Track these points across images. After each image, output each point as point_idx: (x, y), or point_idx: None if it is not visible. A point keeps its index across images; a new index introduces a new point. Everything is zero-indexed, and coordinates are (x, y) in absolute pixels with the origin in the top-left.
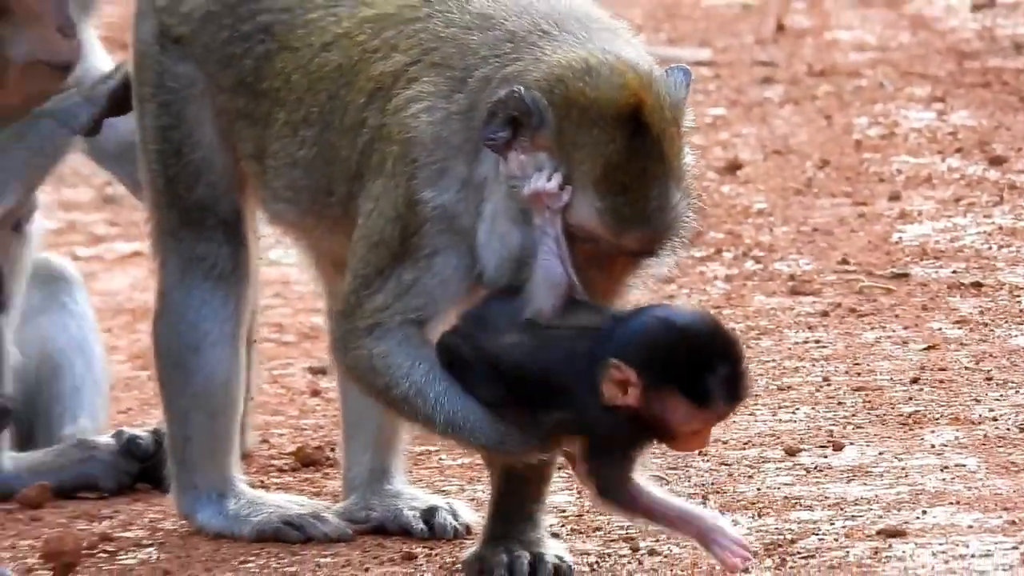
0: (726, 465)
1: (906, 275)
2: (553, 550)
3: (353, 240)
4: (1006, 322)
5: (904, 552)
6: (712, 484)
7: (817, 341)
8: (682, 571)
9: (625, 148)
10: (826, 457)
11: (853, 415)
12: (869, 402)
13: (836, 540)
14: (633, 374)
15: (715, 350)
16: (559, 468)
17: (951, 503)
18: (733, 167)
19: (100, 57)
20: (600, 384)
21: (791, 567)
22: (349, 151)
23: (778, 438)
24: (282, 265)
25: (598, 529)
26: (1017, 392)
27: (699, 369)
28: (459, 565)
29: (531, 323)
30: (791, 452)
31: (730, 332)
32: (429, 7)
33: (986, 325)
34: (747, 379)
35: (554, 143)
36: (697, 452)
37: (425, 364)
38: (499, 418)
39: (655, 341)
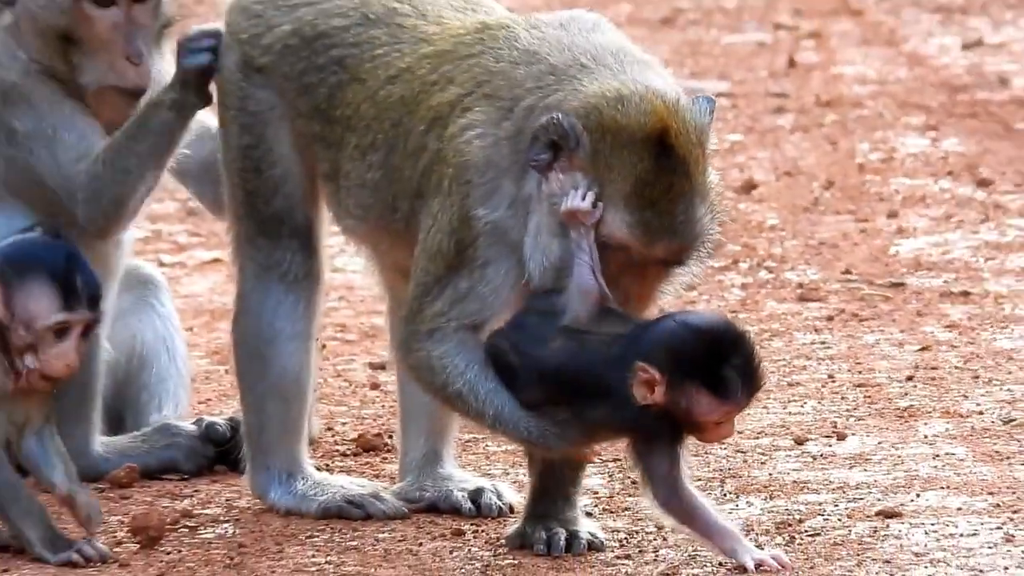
0: (741, 452)
1: (902, 284)
2: (587, 528)
3: (415, 252)
4: (991, 326)
5: (900, 531)
6: (729, 469)
7: (823, 342)
8: (703, 547)
9: (653, 167)
10: (831, 446)
11: (855, 408)
12: (869, 397)
13: (839, 520)
14: (658, 374)
15: (730, 346)
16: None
17: (942, 488)
18: (749, 187)
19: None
20: (630, 385)
21: (799, 543)
22: (411, 172)
23: (788, 428)
24: (346, 272)
25: (627, 509)
26: (1001, 389)
27: (717, 364)
28: (503, 540)
29: (568, 329)
30: (799, 441)
31: (742, 330)
32: (482, 44)
33: (973, 329)
34: (761, 371)
35: (589, 164)
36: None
37: (477, 366)
38: (542, 416)
39: (675, 342)
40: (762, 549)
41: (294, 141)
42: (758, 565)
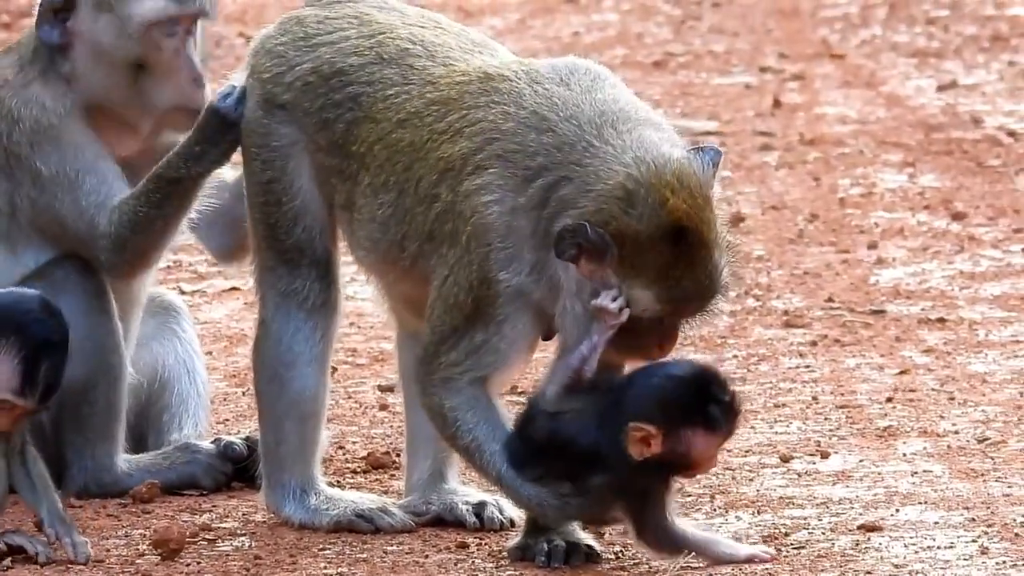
0: (730, 470)
1: (882, 312)
2: (585, 539)
3: (431, 297)
4: (966, 351)
5: (880, 544)
6: (718, 486)
7: (807, 366)
8: (694, 558)
9: (673, 256)
10: (815, 463)
11: (837, 428)
12: (851, 418)
13: (823, 534)
14: (653, 428)
15: (711, 385)
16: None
17: (920, 503)
18: (737, 220)
19: None
20: (625, 446)
21: (785, 556)
22: (423, 217)
23: (774, 447)
24: (357, 299)
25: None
26: (976, 410)
27: (703, 403)
28: (505, 552)
29: (544, 411)
30: (785, 459)
31: (713, 367)
32: (487, 97)
33: (949, 354)
34: (738, 397)
35: (616, 263)
36: None
37: (487, 424)
38: (543, 485)
39: (664, 395)
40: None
41: (314, 174)
42: (752, 558)
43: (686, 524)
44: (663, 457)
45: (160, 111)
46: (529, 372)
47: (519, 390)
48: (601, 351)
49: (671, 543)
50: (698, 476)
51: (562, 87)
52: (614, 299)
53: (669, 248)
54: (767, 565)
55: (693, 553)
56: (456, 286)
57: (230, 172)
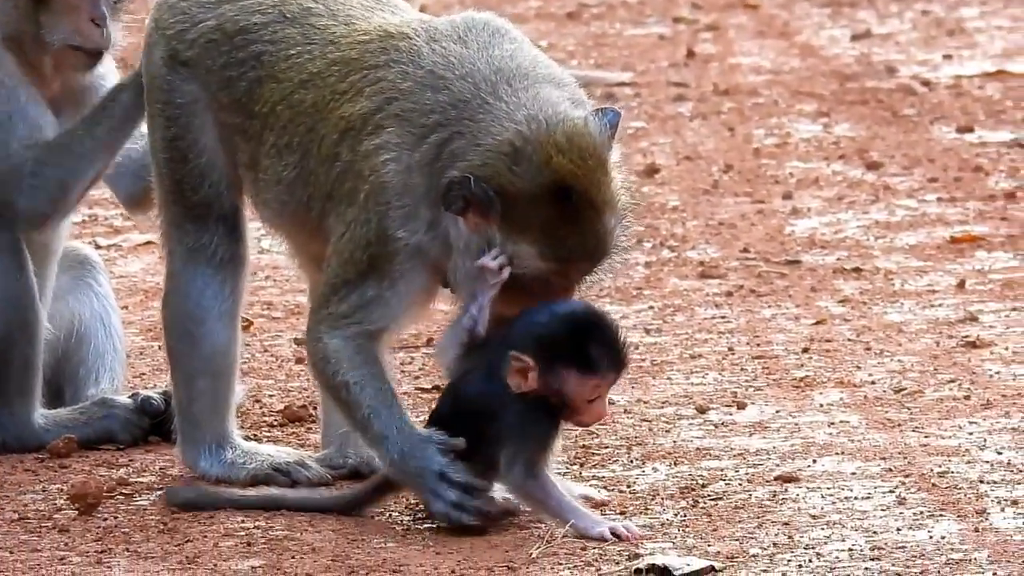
0: (647, 421)
1: (798, 262)
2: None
3: (328, 253)
4: (882, 301)
5: (798, 495)
6: (635, 437)
7: (723, 317)
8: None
9: (557, 213)
10: (731, 415)
11: (754, 379)
12: (767, 368)
13: (740, 485)
14: (530, 360)
15: (592, 326)
16: None
17: (837, 454)
18: (651, 171)
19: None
20: (505, 376)
21: (702, 507)
22: (325, 177)
23: (691, 398)
24: (272, 252)
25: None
26: (892, 360)
27: (581, 343)
28: (422, 506)
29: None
30: (701, 410)
31: (605, 313)
32: (387, 55)
33: (865, 303)
34: (625, 346)
35: (500, 218)
36: (623, 411)
37: (370, 367)
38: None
39: (541, 329)
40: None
41: (218, 132)
42: (613, 533)
43: (558, 484)
44: (541, 394)
45: (56, 48)
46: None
47: (434, 342)
48: (488, 309)
49: (533, 490)
50: (588, 425)
51: (459, 44)
52: (495, 257)
53: (552, 207)
54: (662, 526)
55: (550, 517)
56: (352, 242)
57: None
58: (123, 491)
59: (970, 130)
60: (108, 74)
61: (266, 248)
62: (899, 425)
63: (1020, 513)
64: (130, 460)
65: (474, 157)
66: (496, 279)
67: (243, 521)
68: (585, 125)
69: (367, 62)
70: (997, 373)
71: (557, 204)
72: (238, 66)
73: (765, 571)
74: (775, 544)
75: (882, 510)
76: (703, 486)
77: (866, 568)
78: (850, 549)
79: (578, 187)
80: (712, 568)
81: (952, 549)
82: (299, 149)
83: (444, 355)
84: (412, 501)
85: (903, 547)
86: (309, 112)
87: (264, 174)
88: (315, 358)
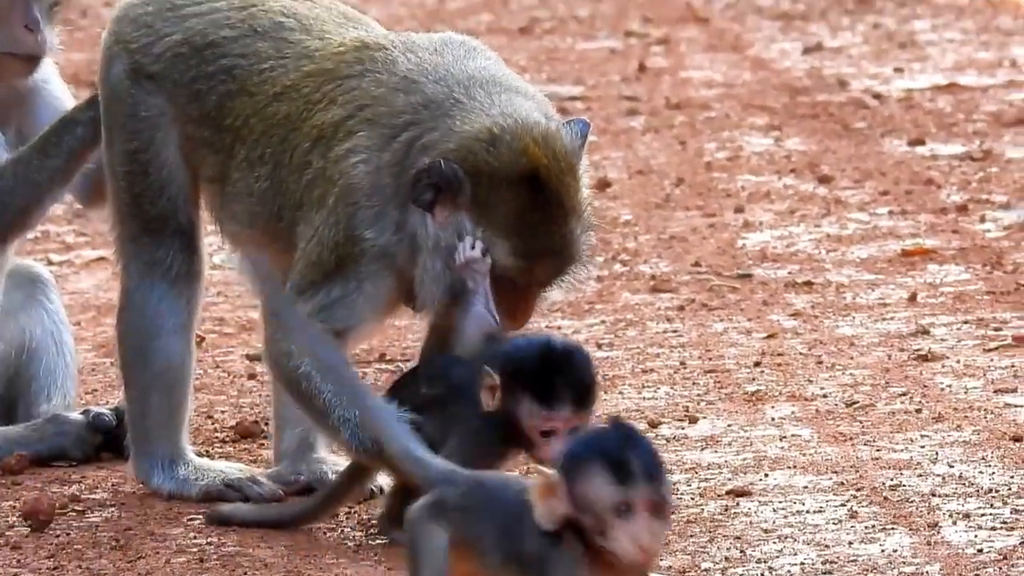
0: None
1: (749, 275)
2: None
3: (295, 257)
4: (833, 314)
5: (750, 509)
6: None
7: (675, 331)
8: None
9: (528, 203)
10: (683, 429)
11: (706, 393)
12: (719, 382)
13: (692, 499)
14: (496, 379)
15: (562, 361)
16: None
17: (789, 467)
18: (603, 184)
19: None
20: (478, 390)
21: None
22: (296, 186)
23: (642, 412)
24: (224, 268)
25: None
26: (844, 373)
27: (544, 372)
28: (375, 520)
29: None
30: (653, 424)
31: (585, 355)
32: (362, 66)
33: (816, 317)
34: (589, 394)
35: (470, 204)
36: None
37: (333, 357)
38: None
39: (515, 353)
40: None
41: (181, 145)
42: None
43: None
44: (501, 415)
45: None
46: (398, 340)
47: (387, 358)
48: (492, 297)
49: None
50: (543, 460)
51: (435, 55)
52: (472, 246)
53: (524, 193)
54: None
55: None
56: (320, 244)
57: None
58: (75, 508)
59: (921, 143)
60: (51, 77)
61: (218, 264)
62: (851, 439)
63: (972, 526)
64: (82, 477)
65: (448, 143)
66: (483, 265)
67: (195, 537)
68: (558, 130)
69: (342, 72)
70: (949, 386)
71: (529, 193)
72: (207, 79)
73: None
74: (727, 558)
75: (834, 524)
76: None
77: None
78: (802, 563)
79: (552, 182)
80: None
81: (904, 563)
82: (271, 160)
83: (470, 346)
84: (364, 516)
85: (855, 561)
86: (282, 123)
87: (233, 187)
88: (272, 361)
